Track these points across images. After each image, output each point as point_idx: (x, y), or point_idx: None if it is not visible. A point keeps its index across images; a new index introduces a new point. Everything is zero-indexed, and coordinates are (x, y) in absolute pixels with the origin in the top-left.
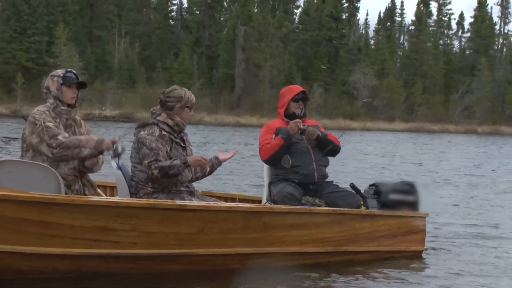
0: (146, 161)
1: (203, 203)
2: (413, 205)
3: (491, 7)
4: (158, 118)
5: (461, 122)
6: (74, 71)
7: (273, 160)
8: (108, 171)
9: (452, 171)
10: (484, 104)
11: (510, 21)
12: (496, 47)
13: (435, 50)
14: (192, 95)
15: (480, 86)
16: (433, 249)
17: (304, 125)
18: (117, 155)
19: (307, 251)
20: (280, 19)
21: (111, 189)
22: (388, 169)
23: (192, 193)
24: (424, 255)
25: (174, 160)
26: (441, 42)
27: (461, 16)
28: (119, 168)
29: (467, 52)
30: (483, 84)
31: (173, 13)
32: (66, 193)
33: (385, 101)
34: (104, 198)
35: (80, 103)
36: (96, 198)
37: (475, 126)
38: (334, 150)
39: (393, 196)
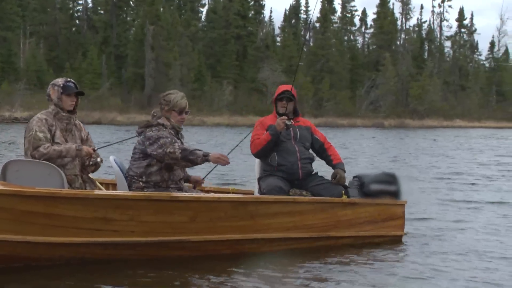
0: (166, 147)
1: (194, 195)
2: (395, 195)
3: (393, 4)
4: (159, 120)
5: (368, 116)
6: (73, 80)
7: (261, 154)
8: (109, 170)
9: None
10: (389, 98)
11: (411, 17)
12: (398, 43)
13: (340, 46)
14: (183, 100)
15: (384, 81)
16: (412, 234)
17: (290, 121)
18: (95, 164)
19: (292, 237)
20: (187, 18)
21: (113, 186)
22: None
23: (180, 189)
24: (403, 240)
25: (197, 149)
26: (345, 38)
27: (364, 12)
28: (117, 165)
29: (371, 47)
30: (387, 79)
31: (79, 13)
32: None
33: None
34: (103, 191)
35: None
36: (96, 191)
37: (382, 119)
38: None
39: (375, 186)
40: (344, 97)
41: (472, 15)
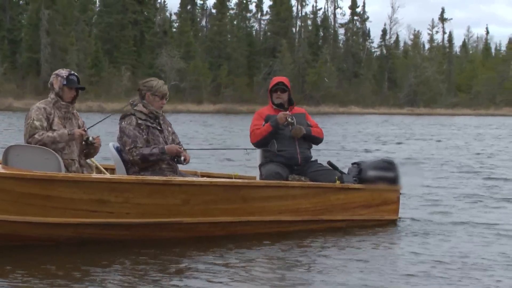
0: (127, 148)
1: (187, 178)
2: (393, 181)
3: None
4: (135, 108)
5: (266, 102)
6: (76, 73)
7: (261, 144)
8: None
9: None
10: None
11: (307, 4)
12: (294, 30)
13: (237, 32)
14: (164, 86)
15: (281, 68)
16: (407, 218)
17: (292, 118)
18: (91, 143)
19: (285, 220)
20: (84, 2)
21: (113, 171)
22: None
23: (175, 172)
24: (398, 224)
25: (154, 148)
26: (242, 24)
27: None
28: (116, 150)
29: (268, 34)
30: (284, 65)
31: None
32: None
33: (193, 83)
34: (98, 175)
35: None
36: (91, 175)
37: None
38: (316, 142)
39: (372, 173)
40: (242, 83)
41: (364, 3)
